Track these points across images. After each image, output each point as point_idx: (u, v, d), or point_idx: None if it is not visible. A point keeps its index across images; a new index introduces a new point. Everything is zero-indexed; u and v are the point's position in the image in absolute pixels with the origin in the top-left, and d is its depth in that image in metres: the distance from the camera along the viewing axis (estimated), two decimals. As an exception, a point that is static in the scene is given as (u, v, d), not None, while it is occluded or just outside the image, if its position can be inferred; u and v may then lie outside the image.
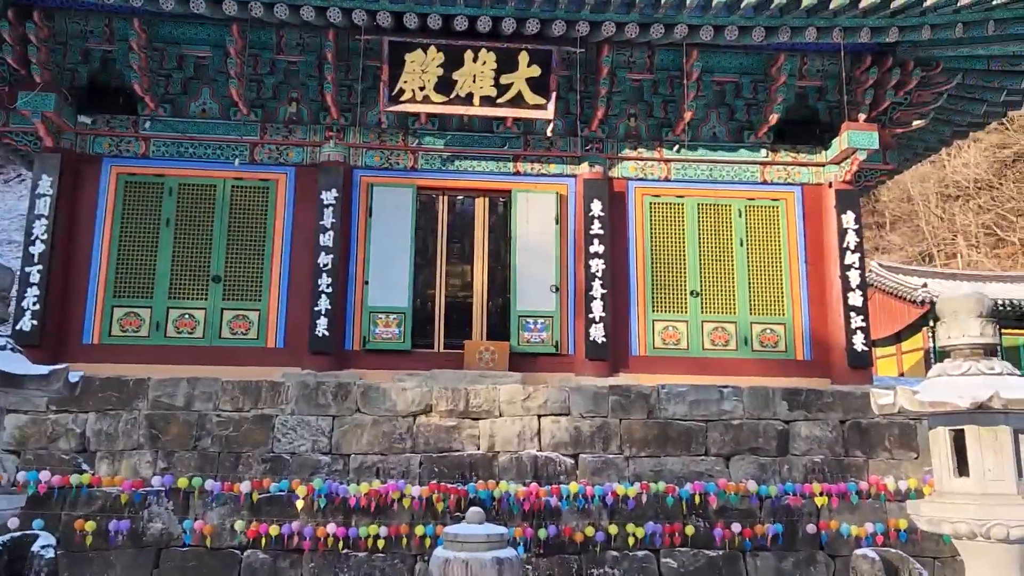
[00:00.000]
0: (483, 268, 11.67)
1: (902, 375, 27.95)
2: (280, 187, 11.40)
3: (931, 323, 27.89)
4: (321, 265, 10.86)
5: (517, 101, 11.01)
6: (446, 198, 11.84)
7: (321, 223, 10.99)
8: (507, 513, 8.72)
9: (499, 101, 10.99)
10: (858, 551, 6.55)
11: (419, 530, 8.53)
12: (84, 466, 8.88)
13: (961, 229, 45.53)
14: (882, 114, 11.92)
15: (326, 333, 10.65)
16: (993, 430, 4.13)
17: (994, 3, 9.50)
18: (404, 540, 8.55)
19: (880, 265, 31.05)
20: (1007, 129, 42.21)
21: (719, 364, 11.46)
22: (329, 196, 11.07)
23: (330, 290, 10.79)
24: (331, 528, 8.46)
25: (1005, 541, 3.96)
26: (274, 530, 8.43)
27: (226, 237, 11.15)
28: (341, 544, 8.51)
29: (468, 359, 10.79)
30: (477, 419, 9.37)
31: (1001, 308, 27.97)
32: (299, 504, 8.56)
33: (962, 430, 4.21)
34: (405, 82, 10.78)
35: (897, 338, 29.34)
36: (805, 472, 9.27)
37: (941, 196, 45.99)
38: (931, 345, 27.93)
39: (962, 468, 4.22)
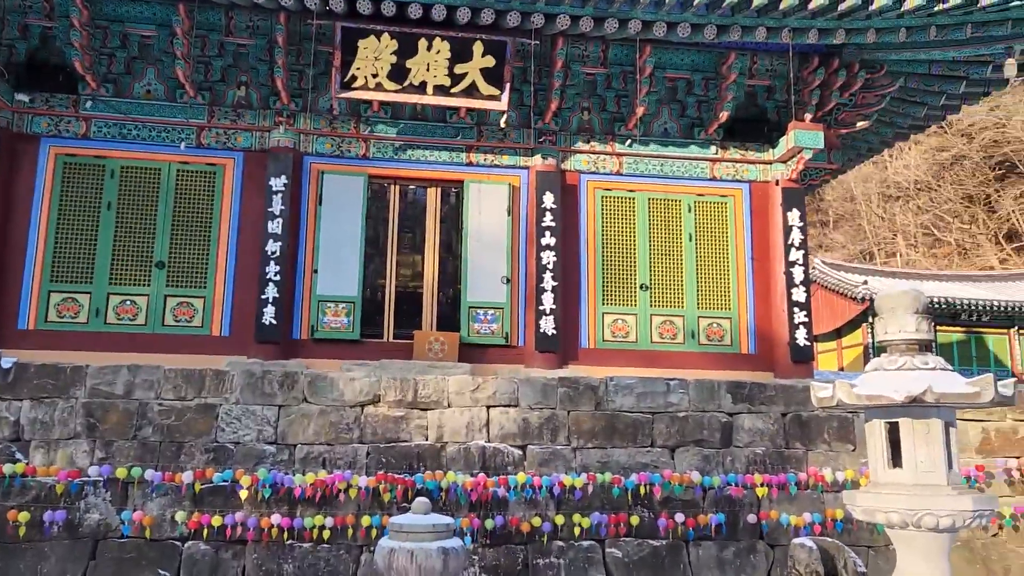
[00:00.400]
0: (434, 258, 11.62)
1: (842, 369, 28.68)
2: (228, 172, 11.17)
3: (870, 319, 28.71)
4: (269, 252, 10.69)
5: (471, 91, 10.97)
6: (398, 187, 11.75)
7: (270, 210, 10.81)
8: (454, 504, 8.72)
9: (453, 91, 10.93)
10: (796, 540, 6.73)
11: (365, 521, 8.47)
12: (18, 455, 8.59)
13: (901, 229, 46.94)
14: (828, 115, 12.20)
15: (273, 322, 10.49)
16: (926, 423, 4.28)
17: (936, 9, 9.78)
18: (350, 531, 8.49)
19: (823, 262, 31.81)
20: (946, 133, 43.56)
21: (667, 357, 11.62)
22: (278, 182, 10.89)
23: (278, 278, 10.63)
24: (276, 519, 8.36)
25: (935, 530, 4.11)
26: (216, 521, 8.29)
27: (171, 222, 10.90)
28: (286, 535, 8.41)
29: (418, 350, 10.74)
30: (426, 410, 9.34)
31: (936, 306, 28.91)
32: (243, 494, 8.43)
33: (897, 423, 4.35)
34: (358, 69, 10.64)
35: (838, 334, 30.14)
36: (747, 463, 9.46)
37: (882, 196, 47.32)
38: (870, 341, 28.75)
39: (896, 460, 4.36)
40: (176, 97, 11.06)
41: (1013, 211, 42.35)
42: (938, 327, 29.65)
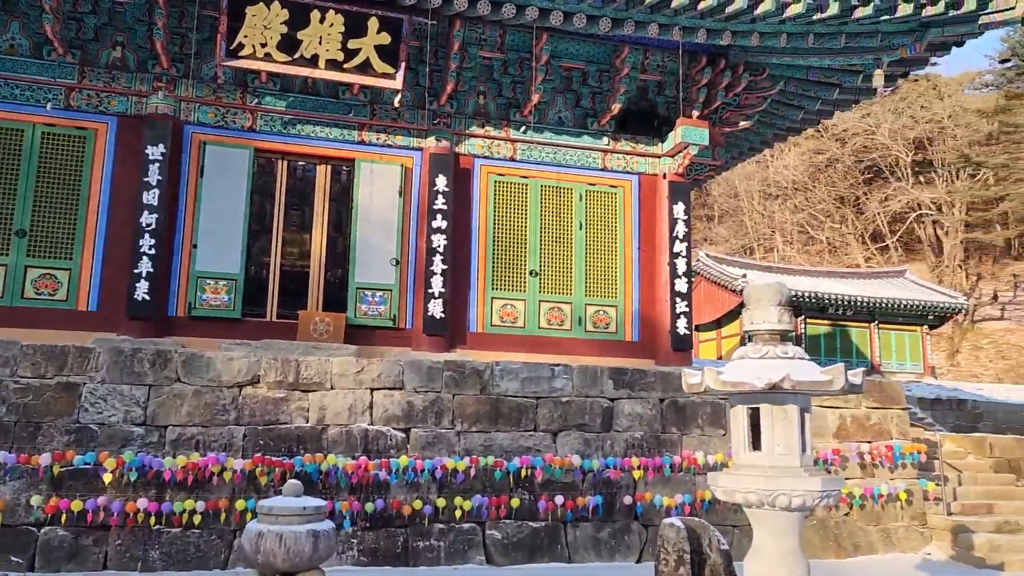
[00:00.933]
0: (322, 237, 11.36)
1: (720, 358, 29.95)
2: (99, 137, 10.52)
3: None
4: (144, 225, 10.15)
5: (365, 68, 10.75)
6: (286, 163, 11.39)
7: (145, 180, 10.26)
8: (334, 487, 8.59)
9: (346, 66, 10.68)
10: (666, 520, 6.94)
11: (240, 504, 8.23)
12: None
13: (779, 226, 49.40)
14: (713, 113, 12.65)
15: (147, 297, 9.99)
16: (784, 409, 4.53)
17: (814, 18, 10.27)
18: (223, 515, 8.23)
19: (707, 255, 33.06)
20: (822, 136, 46.07)
21: (554, 343, 11.81)
22: (155, 151, 10.34)
23: (153, 252, 10.12)
24: (142, 503, 8.00)
25: (787, 509, 4.36)
26: (76, 505, 7.85)
27: (34, 187, 10.18)
28: (153, 520, 8.06)
29: (302, 330, 10.49)
30: (308, 391, 9.14)
31: (806, 300, 30.63)
32: (107, 478, 8.02)
33: (758, 408, 4.59)
34: (245, 36, 10.23)
35: (718, 324, 31.47)
36: (626, 447, 9.76)
37: (763, 194, 49.63)
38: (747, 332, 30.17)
39: (756, 443, 4.60)
40: (43, 54, 10.31)
41: (878, 213, 45.29)
42: (808, 320, 31.45)
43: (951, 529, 10.26)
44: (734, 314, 30.54)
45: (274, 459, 8.51)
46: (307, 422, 9.00)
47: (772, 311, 4.68)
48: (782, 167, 48.01)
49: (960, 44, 11.57)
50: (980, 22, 10.66)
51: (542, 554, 9.00)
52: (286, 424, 8.92)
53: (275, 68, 10.56)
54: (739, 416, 4.71)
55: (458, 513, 8.81)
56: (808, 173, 47.58)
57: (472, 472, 8.95)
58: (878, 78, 11.59)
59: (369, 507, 8.55)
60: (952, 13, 10.32)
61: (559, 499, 9.06)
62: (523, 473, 9.11)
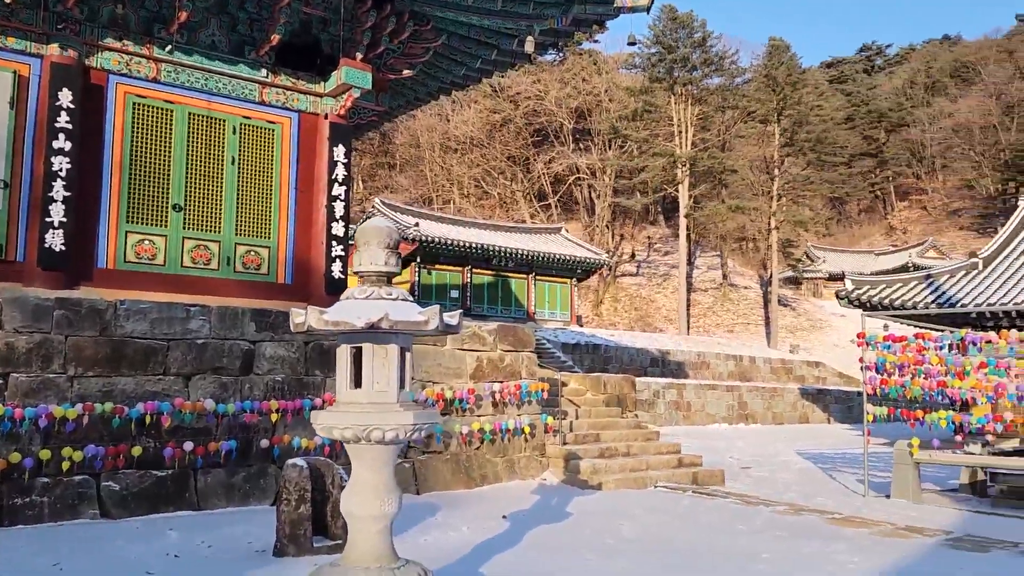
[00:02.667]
0: (-99, 147, 9.41)
1: (390, 304, 30.58)
2: None
3: (418, 258, 31.15)
4: None
5: (-39, -53, 8.99)
6: None
7: None
8: (-98, 443, 7.29)
9: (-66, -59, 8.84)
10: (289, 461, 6.98)
11: None
12: None
13: (456, 179, 51.52)
14: (378, 58, 12.63)
15: None
16: (385, 348, 4.70)
17: (473, -23, 10.68)
18: None
19: (382, 202, 33.46)
20: (498, 96, 48.72)
21: (200, 283, 11.15)
22: None
23: None
24: None
25: (381, 443, 4.56)
26: None
27: None
28: None
29: None
30: None
31: (474, 251, 32.48)
32: None
33: (361, 347, 4.71)
34: None
35: (390, 271, 32.10)
36: (266, 390, 9.56)
37: (444, 148, 51.32)
38: (417, 279, 31.23)
39: (360, 381, 4.73)
40: None
41: (543, 174, 49.29)
42: (474, 270, 33.41)
43: (564, 456, 11.65)
44: (406, 261, 31.38)
45: None
46: None
47: (380, 253, 4.80)
48: (461, 122, 49.95)
49: (601, 23, 12.77)
50: (615, 5, 11.85)
51: (168, 503, 8.53)
52: None
53: None
54: (343, 355, 4.80)
55: (66, 465, 7.98)
56: (485, 131, 50.11)
57: (85, 420, 8.13)
58: (530, 44, 12.42)
59: (-50, 465, 7.41)
60: (590, -7, 11.36)
61: (188, 445, 8.61)
62: (148, 419, 8.49)
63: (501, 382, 11.58)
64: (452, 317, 4.86)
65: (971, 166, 63.04)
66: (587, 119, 49.99)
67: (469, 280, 32.83)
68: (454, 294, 32.11)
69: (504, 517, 8.60)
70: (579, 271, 37.05)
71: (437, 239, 30.73)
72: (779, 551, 7.33)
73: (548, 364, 23.65)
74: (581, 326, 37.88)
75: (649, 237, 56.27)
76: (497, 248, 33.03)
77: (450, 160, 50.91)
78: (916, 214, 69.03)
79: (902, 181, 70.41)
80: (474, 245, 32.08)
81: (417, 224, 30.81)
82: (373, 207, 33.31)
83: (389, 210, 32.59)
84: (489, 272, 33.61)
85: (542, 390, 12.01)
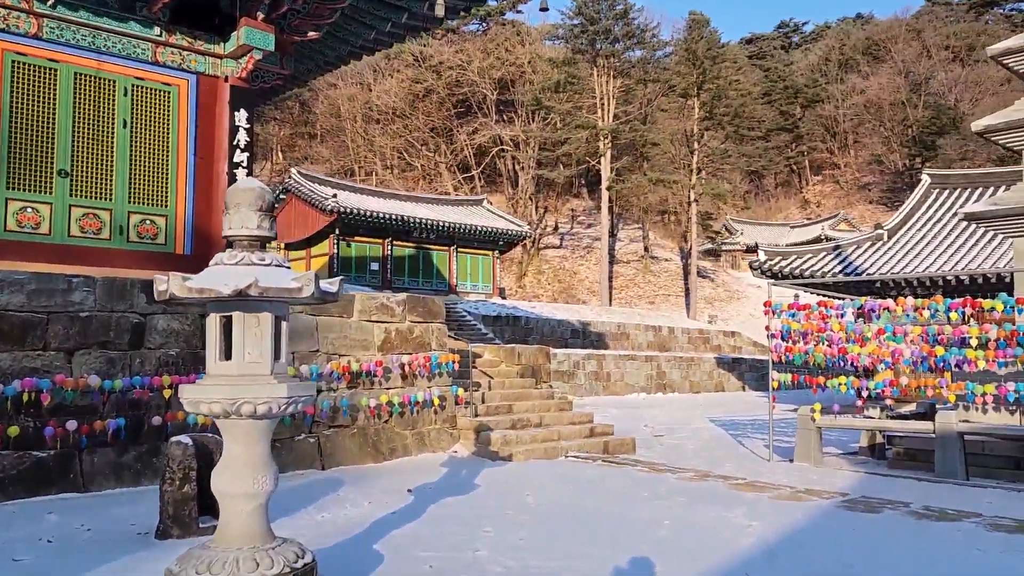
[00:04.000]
0: None
1: (307, 277, 29.93)
2: None
3: (337, 231, 30.48)
4: None
5: None
6: None
7: None
8: None
9: None
10: (173, 439, 6.64)
11: None
12: None
13: (379, 150, 50.54)
14: (282, 18, 12.08)
15: None
16: (256, 316, 4.44)
17: (376, -66, 10.26)
18: None
19: (300, 173, 32.53)
20: (421, 65, 47.85)
21: (90, 254, 10.58)
22: None
23: None
24: None
25: (253, 417, 4.31)
26: None
27: None
28: None
29: None
30: None
31: (394, 223, 31.96)
32: None
33: (231, 316, 4.44)
34: None
35: (308, 243, 31.36)
36: (159, 365, 9.10)
37: (365, 118, 50.22)
38: (336, 251, 30.57)
39: (229, 352, 4.45)
40: None
41: (466, 145, 48.76)
42: (395, 242, 32.92)
43: (475, 428, 11.55)
44: (324, 233, 30.70)
45: None
46: None
47: (252, 216, 4.52)
48: (383, 92, 48.94)
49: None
50: (524, -29, 11.61)
51: (50, 485, 8.04)
52: None
53: None
54: (213, 325, 4.51)
55: (-69, 449, 7.43)
56: (407, 101, 49.22)
57: (-47, 401, 7.58)
58: (440, 8, 12.07)
59: None
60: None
61: (72, 424, 8.12)
62: (26, 398, 7.97)
63: (410, 354, 11.36)
64: (331, 284, 4.62)
65: (881, 142, 65.38)
66: (510, 90, 49.63)
67: (390, 252, 32.32)
68: (374, 267, 31.58)
69: (409, 491, 8.44)
70: (501, 243, 36.93)
71: (356, 211, 30.08)
72: (680, 517, 7.39)
73: (469, 336, 23.52)
74: (504, 298, 37.86)
75: (573, 210, 56.54)
76: (418, 220, 32.58)
77: (372, 131, 49.87)
78: (829, 188, 71.36)
79: (816, 156, 72.57)
80: (394, 217, 31.55)
81: (335, 195, 30.07)
82: (290, 177, 32.35)
83: (307, 181, 31.70)
84: (410, 244, 33.16)
85: (453, 361, 11.84)
